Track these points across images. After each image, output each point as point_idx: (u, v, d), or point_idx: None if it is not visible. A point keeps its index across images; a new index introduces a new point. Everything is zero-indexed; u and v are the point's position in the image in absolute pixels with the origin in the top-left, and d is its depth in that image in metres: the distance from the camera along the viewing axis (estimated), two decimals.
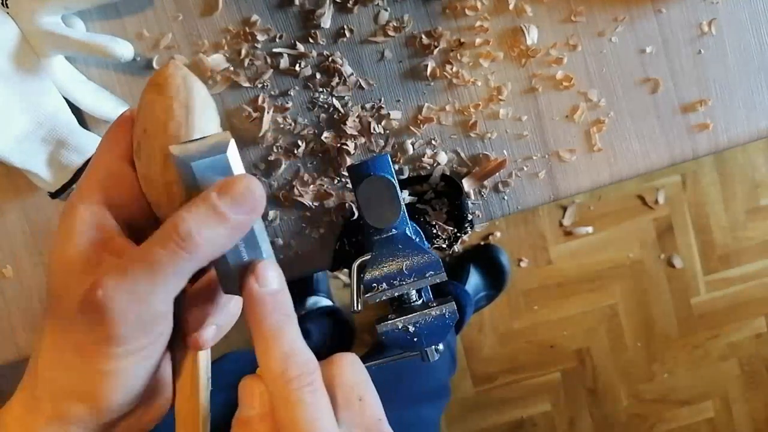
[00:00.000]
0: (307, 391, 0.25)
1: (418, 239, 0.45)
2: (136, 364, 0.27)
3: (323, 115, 0.52)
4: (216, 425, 0.50)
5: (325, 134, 0.51)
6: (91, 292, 0.24)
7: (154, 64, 0.51)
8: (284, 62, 0.50)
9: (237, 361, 0.78)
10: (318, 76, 0.51)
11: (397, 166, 0.52)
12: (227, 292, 0.28)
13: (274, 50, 0.50)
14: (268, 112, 0.51)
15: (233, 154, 0.27)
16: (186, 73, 0.28)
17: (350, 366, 0.28)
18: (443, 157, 0.52)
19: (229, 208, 0.25)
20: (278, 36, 0.51)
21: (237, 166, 0.27)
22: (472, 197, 0.53)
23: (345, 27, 0.50)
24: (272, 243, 0.52)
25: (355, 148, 0.52)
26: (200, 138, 0.27)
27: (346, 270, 0.50)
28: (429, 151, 0.52)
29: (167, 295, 0.26)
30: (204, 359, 0.31)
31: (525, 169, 0.53)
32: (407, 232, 0.44)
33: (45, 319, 0.28)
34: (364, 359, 0.30)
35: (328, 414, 0.26)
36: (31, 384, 0.28)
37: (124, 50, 0.47)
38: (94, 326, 0.25)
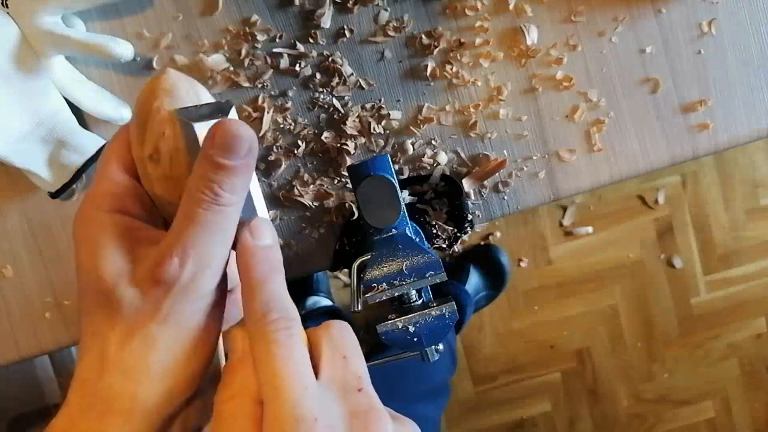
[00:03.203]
0: (284, 334, 0.26)
1: (418, 239, 0.45)
2: (210, 327, 0.28)
3: (323, 115, 0.52)
4: None
5: (325, 134, 0.51)
6: (161, 267, 0.26)
7: (154, 64, 0.51)
8: (284, 62, 0.50)
9: None
10: (318, 76, 0.51)
11: (397, 166, 0.52)
12: None
13: (274, 50, 0.50)
14: (268, 112, 0.51)
15: (234, 117, 0.28)
16: (188, 77, 0.30)
17: (338, 328, 0.29)
18: (443, 157, 0.52)
19: (228, 157, 0.27)
20: (278, 36, 0.51)
21: None
22: (472, 197, 0.53)
23: (345, 27, 0.50)
24: None
25: (355, 148, 0.52)
26: (203, 104, 0.28)
27: (346, 270, 0.50)
28: (429, 151, 0.52)
29: (226, 249, 0.28)
30: (220, 348, 0.32)
31: (525, 169, 0.53)
32: (407, 232, 0.44)
33: (97, 324, 0.28)
34: (364, 359, 0.30)
35: (302, 359, 0.26)
36: (90, 387, 0.28)
37: (124, 50, 0.47)
38: (152, 305, 0.27)
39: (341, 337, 0.29)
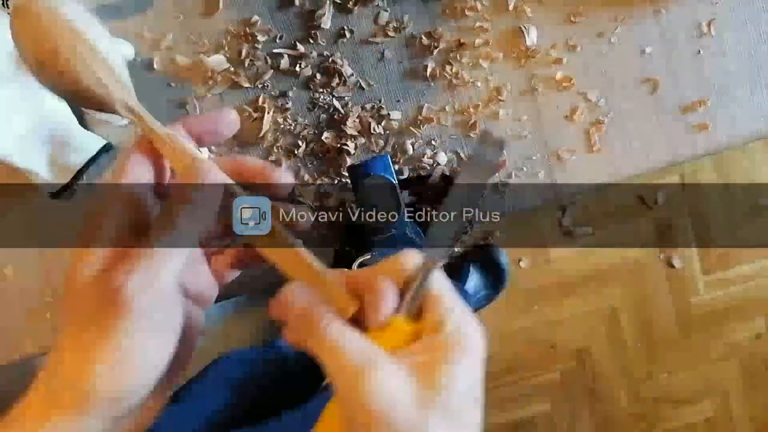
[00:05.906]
0: None
1: (418, 239, 0.45)
2: (151, 340, 0.28)
3: (323, 116, 0.52)
4: (216, 425, 0.50)
5: (326, 134, 0.51)
6: (105, 282, 0.27)
7: (155, 65, 0.51)
8: (284, 63, 0.51)
9: (237, 362, 0.78)
10: (318, 76, 0.51)
11: (397, 166, 0.52)
12: None
13: (275, 51, 0.50)
14: (268, 113, 0.51)
15: None
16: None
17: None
18: (443, 158, 0.52)
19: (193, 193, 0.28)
20: (278, 36, 0.51)
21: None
22: None
23: (345, 28, 0.50)
24: None
25: (355, 149, 0.52)
26: None
27: (346, 270, 0.50)
28: (429, 152, 0.52)
29: (171, 274, 0.28)
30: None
31: (525, 169, 0.53)
32: (407, 232, 0.44)
33: (63, 315, 0.28)
34: None
35: None
36: (48, 378, 0.28)
37: (125, 50, 0.47)
38: (108, 306, 0.27)
39: None
